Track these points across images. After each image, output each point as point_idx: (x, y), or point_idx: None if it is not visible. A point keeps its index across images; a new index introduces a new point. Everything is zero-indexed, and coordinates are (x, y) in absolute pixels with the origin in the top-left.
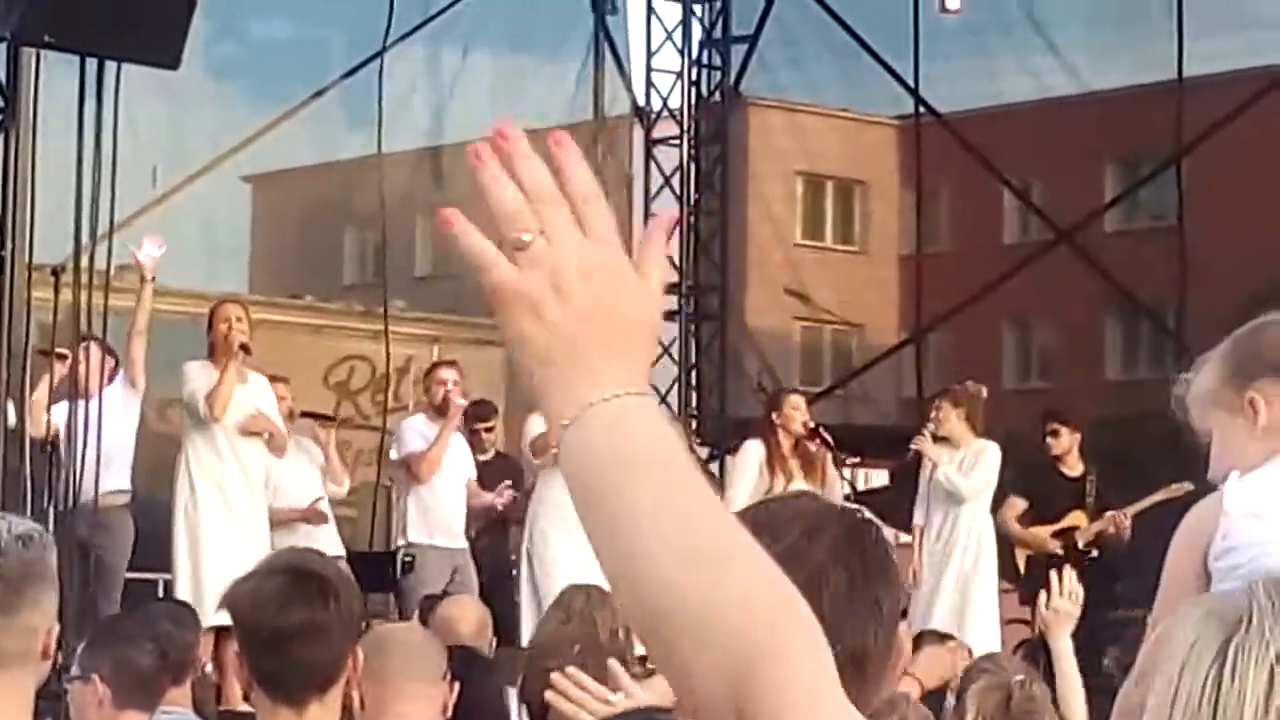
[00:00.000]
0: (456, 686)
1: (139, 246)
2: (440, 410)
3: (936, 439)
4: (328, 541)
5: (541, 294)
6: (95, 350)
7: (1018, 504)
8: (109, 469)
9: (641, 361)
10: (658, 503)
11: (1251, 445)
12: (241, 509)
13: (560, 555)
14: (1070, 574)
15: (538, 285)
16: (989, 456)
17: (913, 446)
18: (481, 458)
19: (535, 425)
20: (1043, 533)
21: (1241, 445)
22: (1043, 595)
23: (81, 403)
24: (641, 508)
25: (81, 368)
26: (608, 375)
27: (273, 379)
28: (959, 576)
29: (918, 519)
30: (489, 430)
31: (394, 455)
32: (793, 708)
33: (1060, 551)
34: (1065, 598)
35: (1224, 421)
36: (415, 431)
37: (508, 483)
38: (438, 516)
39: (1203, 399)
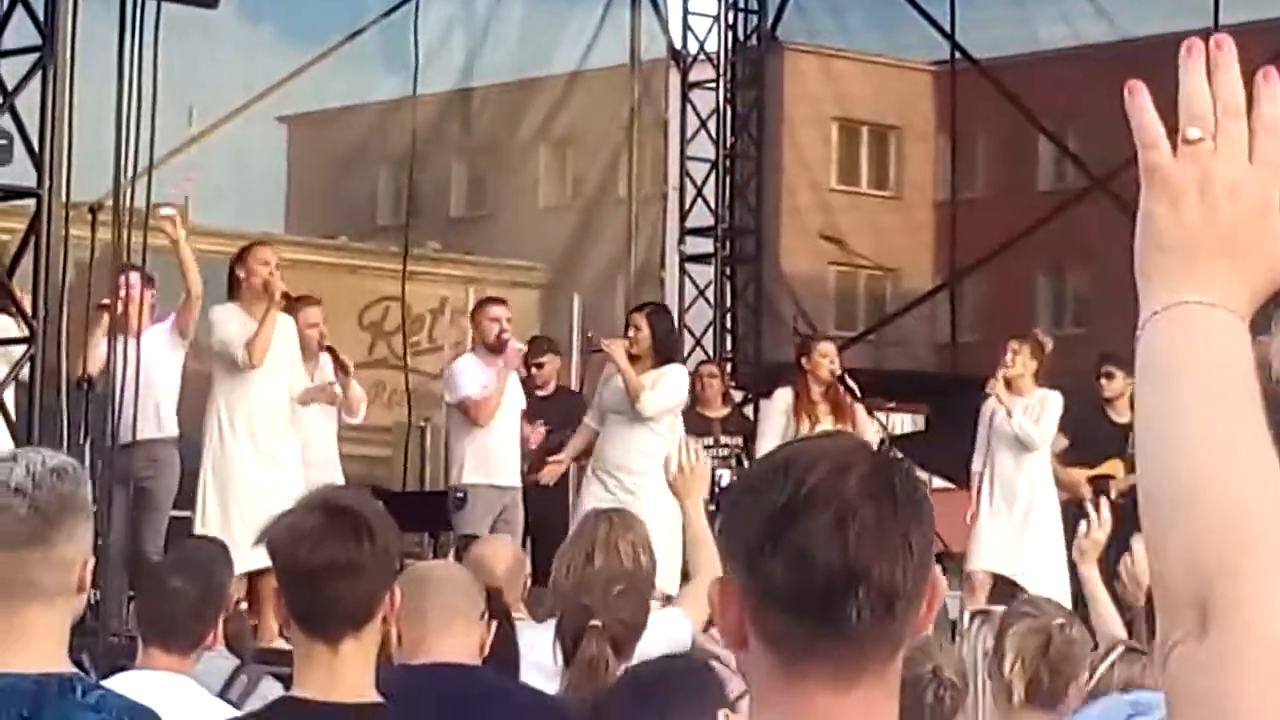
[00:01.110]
0: (494, 626)
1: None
2: (493, 349)
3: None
4: (331, 474)
5: (1185, 190)
6: (135, 279)
7: (1060, 441)
8: (156, 411)
9: (1255, 288)
10: (1203, 402)
11: None
12: (275, 451)
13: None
14: (1105, 505)
15: (1186, 180)
16: (1054, 404)
17: (988, 391)
18: (541, 394)
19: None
20: (1079, 475)
21: None
22: (1082, 525)
23: (122, 337)
24: (1188, 401)
25: (122, 299)
26: (1216, 284)
27: (305, 300)
28: (1022, 522)
29: (976, 465)
30: (540, 367)
31: (448, 398)
32: (1247, 605)
33: (1091, 499)
34: (1101, 529)
35: None
36: (470, 374)
37: (540, 422)
38: (494, 457)
39: None
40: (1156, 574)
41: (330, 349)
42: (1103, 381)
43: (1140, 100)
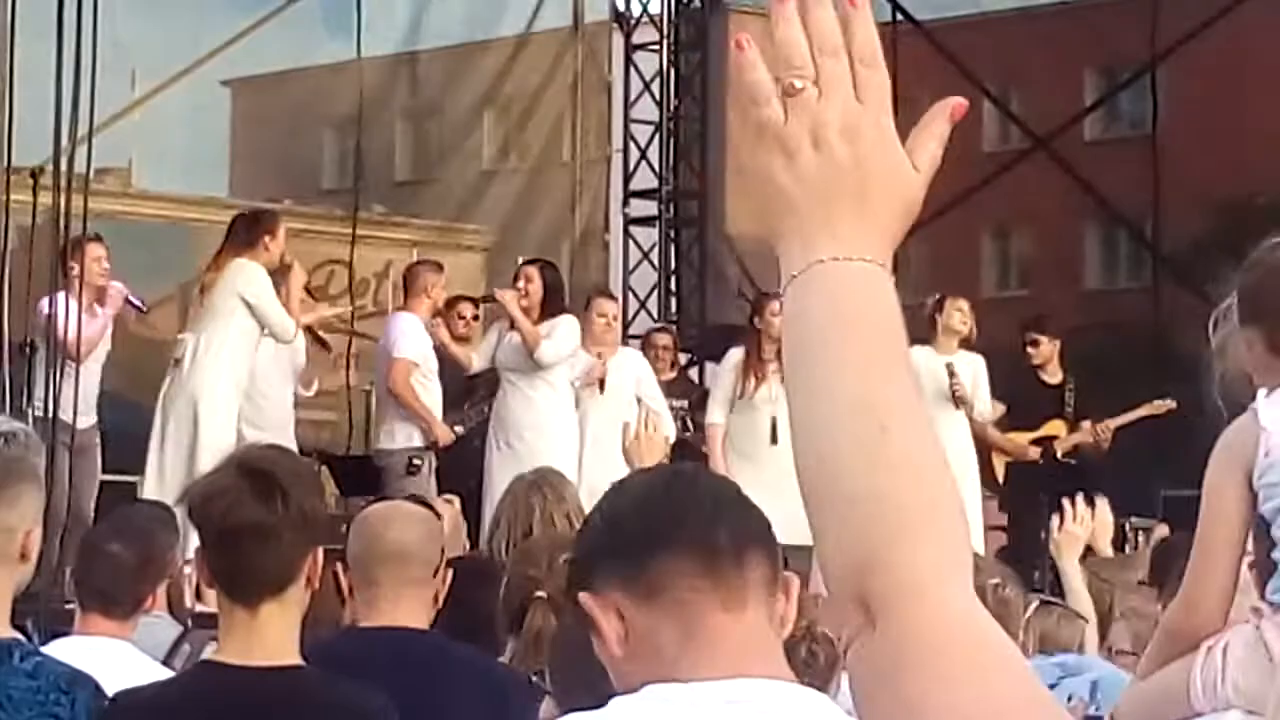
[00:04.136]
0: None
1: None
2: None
3: (924, 341)
4: (282, 439)
5: (799, 142)
6: (100, 251)
7: (997, 409)
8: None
9: (888, 231)
10: (848, 366)
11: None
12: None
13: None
14: (1080, 500)
15: (797, 133)
16: (984, 369)
17: (956, 391)
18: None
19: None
20: (1021, 439)
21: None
22: (1054, 520)
23: (62, 305)
24: (832, 368)
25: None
26: (848, 237)
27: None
28: None
29: None
30: (474, 319)
31: (395, 353)
32: (906, 594)
33: (1039, 459)
34: (1076, 523)
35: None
36: (418, 335)
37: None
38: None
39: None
40: (822, 568)
41: (309, 329)
42: (1029, 350)
43: (748, 55)
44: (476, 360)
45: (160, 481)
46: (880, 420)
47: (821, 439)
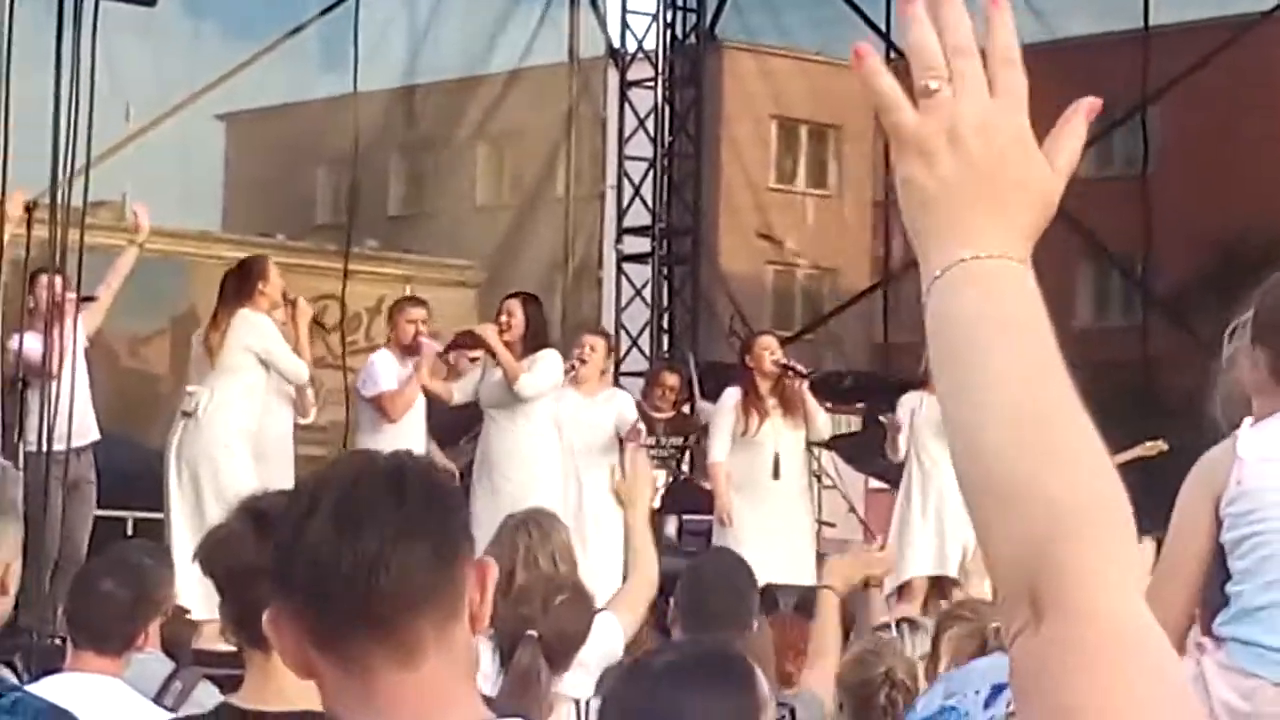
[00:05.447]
0: None
1: (140, 207)
2: (409, 350)
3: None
4: (284, 477)
5: (936, 142)
6: (59, 282)
7: None
8: (86, 414)
9: (1026, 229)
10: (1007, 367)
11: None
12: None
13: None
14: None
15: (934, 133)
16: None
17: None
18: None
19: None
20: None
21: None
22: None
23: (56, 337)
24: (991, 369)
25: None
26: (988, 235)
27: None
28: (943, 516)
29: (898, 458)
30: (475, 360)
31: (364, 392)
32: (1075, 593)
33: None
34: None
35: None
36: (389, 369)
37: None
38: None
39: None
40: (989, 565)
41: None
42: None
43: (872, 64)
44: (457, 394)
45: (184, 537)
46: (1043, 419)
47: (982, 438)
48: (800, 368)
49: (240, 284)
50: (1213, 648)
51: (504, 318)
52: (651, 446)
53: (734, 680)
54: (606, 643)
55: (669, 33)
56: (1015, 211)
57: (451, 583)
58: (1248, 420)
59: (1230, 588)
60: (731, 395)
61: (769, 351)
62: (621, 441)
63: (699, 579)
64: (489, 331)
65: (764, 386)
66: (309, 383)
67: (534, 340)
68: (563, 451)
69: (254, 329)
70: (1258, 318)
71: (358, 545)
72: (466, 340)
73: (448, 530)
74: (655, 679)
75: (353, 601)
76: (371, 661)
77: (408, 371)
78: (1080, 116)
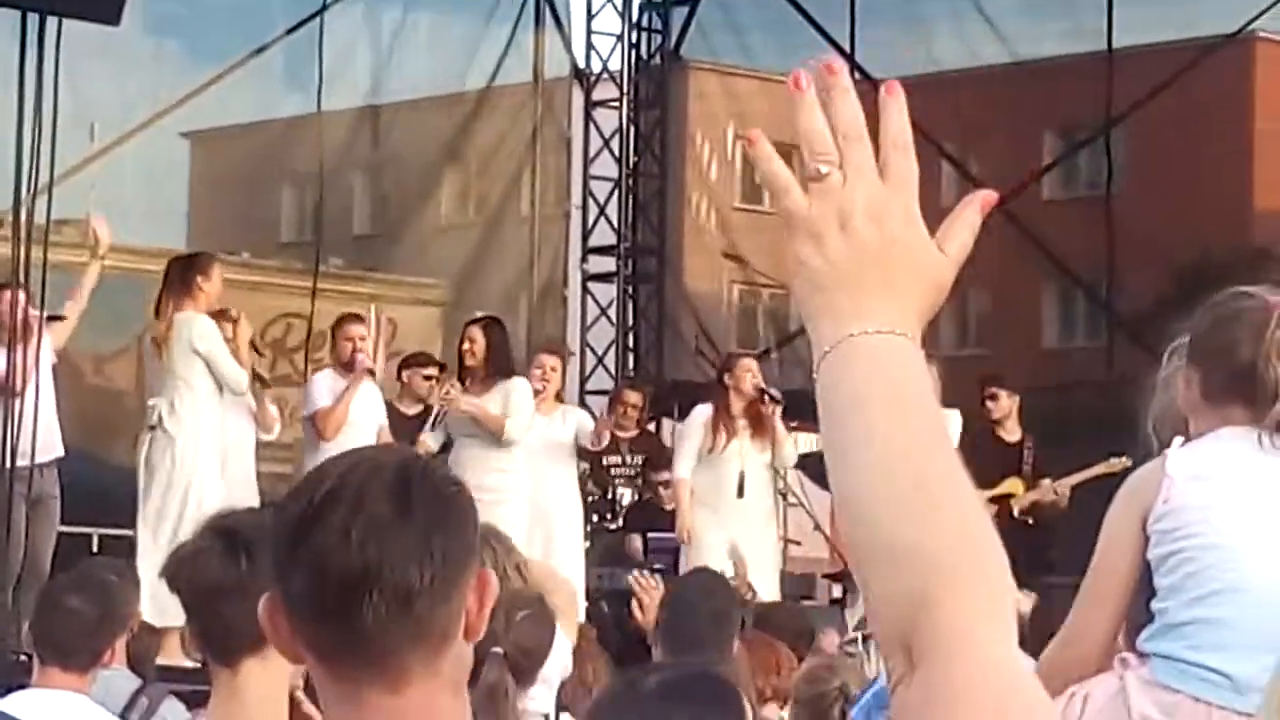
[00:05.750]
0: None
1: (99, 221)
2: (348, 366)
3: None
4: (247, 492)
5: (826, 226)
6: (21, 297)
7: None
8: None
9: (916, 308)
10: (890, 437)
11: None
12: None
13: None
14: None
15: (823, 217)
16: (957, 423)
17: None
18: (413, 410)
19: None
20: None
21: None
22: None
23: (20, 354)
24: (876, 439)
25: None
26: (877, 313)
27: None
28: None
29: None
30: (428, 379)
31: (304, 412)
32: (947, 644)
33: (994, 519)
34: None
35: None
36: (324, 388)
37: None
38: None
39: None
40: (872, 622)
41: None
42: (988, 404)
43: (762, 148)
44: (431, 442)
45: (155, 550)
46: (922, 485)
47: (862, 498)
48: (777, 394)
49: (183, 273)
50: (1136, 663)
51: (465, 345)
52: (615, 465)
53: (725, 702)
54: (561, 656)
55: (634, 53)
56: (904, 291)
57: (448, 607)
58: (1177, 440)
59: (1155, 604)
60: (702, 412)
61: (750, 374)
62: (582, 451)
63: (681, 602)
64: (459, 399)
65: (737, 406)
66: (247, 392)
67: (496, 364)
68: (527, 469)
69: (198, 331)
70: (1192, 340)
71: (357, 565)
72: (420, 358)
73: (450, 554)
74: (646, 700)
75: (344, 624)
76: (359, 678)
77: (341, 387)
78: (974, 208)
